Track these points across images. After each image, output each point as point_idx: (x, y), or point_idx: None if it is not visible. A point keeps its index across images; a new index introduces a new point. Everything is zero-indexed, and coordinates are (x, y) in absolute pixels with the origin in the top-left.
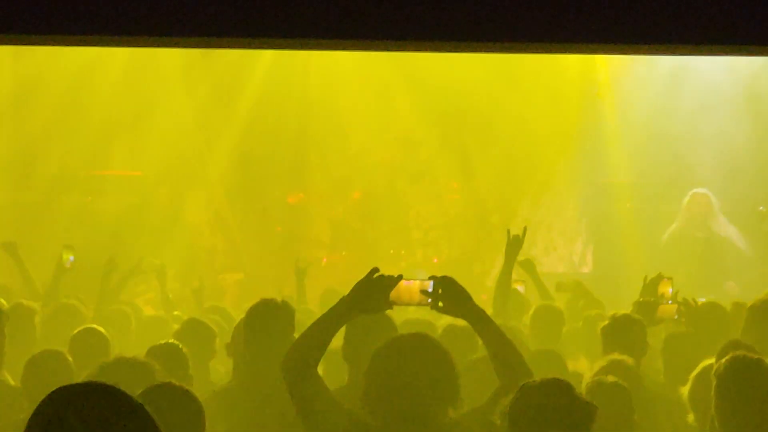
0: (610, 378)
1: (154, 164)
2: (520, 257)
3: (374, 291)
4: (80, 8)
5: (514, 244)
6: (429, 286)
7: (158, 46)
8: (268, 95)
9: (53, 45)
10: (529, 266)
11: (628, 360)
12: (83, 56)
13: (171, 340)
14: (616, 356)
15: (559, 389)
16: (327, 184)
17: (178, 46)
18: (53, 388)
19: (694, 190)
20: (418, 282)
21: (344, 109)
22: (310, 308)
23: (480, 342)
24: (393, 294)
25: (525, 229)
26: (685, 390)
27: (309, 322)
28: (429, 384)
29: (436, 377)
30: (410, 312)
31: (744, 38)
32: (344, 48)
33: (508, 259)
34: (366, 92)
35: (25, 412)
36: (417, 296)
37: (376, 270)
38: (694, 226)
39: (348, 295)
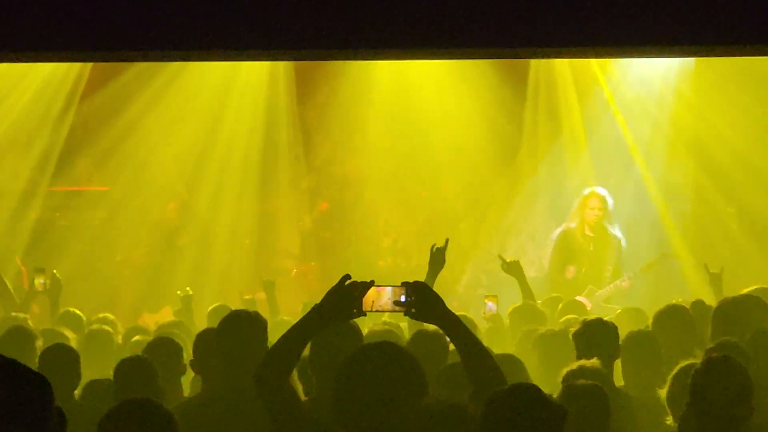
0: (586, 381)
1: (121, 179)
2: (508, 259)
3: (346, 298)
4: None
5: (437, 257)
6: (402, 292)
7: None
8: (233, 107)
9: (40, 61)
10: (516, 268)
11: (596, 364)
12: (45, 70)
13: (139, 354)
14: (584, 362)
15: (529, 394)
16: (294, 195)
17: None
18: None
19: (593, 189)
20: (390, 288)
21: (310, 119)
22: (285, 318)
23: (451, 348)
24: (365, 301)
25: (447, 241)
26: (663, 392)
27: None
28: (398, 394)
29: (404, 386)
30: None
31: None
32: (321, 58)
33: (431, 272)
34: (331, 102)
35: None
36: (389, 303)
37: (347, 277)
38: (588, 224)
39: (320, 303)
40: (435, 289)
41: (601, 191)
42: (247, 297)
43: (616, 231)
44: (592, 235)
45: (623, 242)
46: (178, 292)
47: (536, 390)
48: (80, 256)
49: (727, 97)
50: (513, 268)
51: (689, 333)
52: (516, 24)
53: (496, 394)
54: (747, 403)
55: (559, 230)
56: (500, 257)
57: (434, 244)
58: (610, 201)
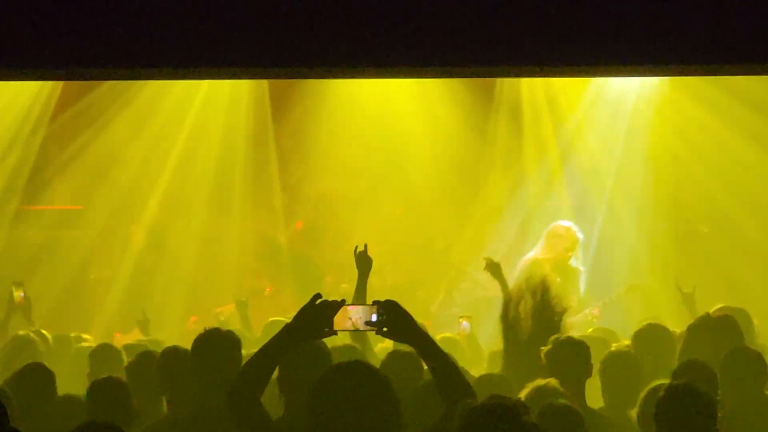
0: (562, 401)
1: (93, 198)
2: (488, 260)
3: (318, 317)
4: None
5: (362, 260)
6: (373, 311)
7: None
8: (206, 125)
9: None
10: (495, 269)
11: (554, 383)
12: (14, 88)
13: (113, 374)
14: (540, 381)
15: (504, 411)
16: (268, 214)
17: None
18: None
19: (560, 223)
20: (361, 307)
21: (284, 137)
22: (257, 337)
23: (424, 367)
24: (337, 319)
25: (366, 245)
26: (633, 412)
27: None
28: (370, 413)
29: (377, 406)
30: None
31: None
32: (300, 76)
33: (361, 276)
34: (306, 120)
35: None
36: (361, 322)
37: (318, 296)
38: (556, 259)
39: (291, 322)
40: (408, 308)
41: (571, 226)
42: (221, 318)
43: (579, 264)
44: (557, 267)
45: (583, 273)
46: (136, 316)
47: (511, 407)
48: (53, 275)
49: (704, 112)
50: (494, 269)
51: (669, 352)
52: (509, 43)
53: (471, 410)
54: (711, 428)
55: (527, 259)
56: (485, 258)
57: (356, 246)
58: (580, 236)
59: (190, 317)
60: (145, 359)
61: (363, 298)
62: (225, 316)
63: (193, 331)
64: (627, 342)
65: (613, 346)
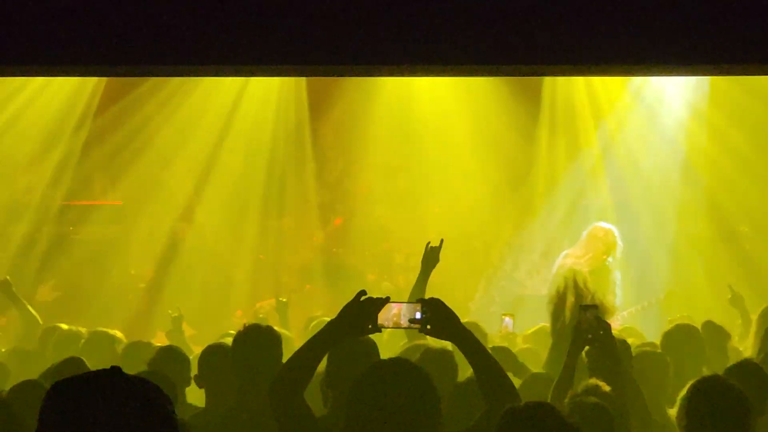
0: (592, 399)
1: (135, 194)
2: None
3: (362, 314)
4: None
5: (431, 255)
6: (417, 308)
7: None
8: (247, 122)
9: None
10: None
11: (604, 387)
12: (60, 85)
13: (150, 369)
14: (592, 381)
15: (545, 412)
16: (308, 211)
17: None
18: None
19: (600, 224)
20: (405, 304)
21: (324, 135)
22: (292, 336)
23: (460, 366)
24: (381, 317)
25: (442, 241)
26: (673, 412)
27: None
28: (411, 411)
29: (418, 404)
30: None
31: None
32: (329, 74)
33: (424, 271)
34: (345, 118)
35: None
36: (405, 319)
37: (363, 293)
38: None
39: (335, 318)
40: (449, 306)
41: (611, 229)
42: (261, 315)
43: (616, 267)
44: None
45: (618, 276)
46: (169, 311)
47: (552, 408)
48: (94, 270)
49: (742, 114)
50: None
51: (699, 352)
52: (537, 40)
53: (511, 411)
54: (744, 422)
55: (564, 257)
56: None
57: (429, 242)
58: (618, 239)
59: (236, 311)
60: (169, 352)
61: (422, 294)
62: (265, 311)
63: (238, 325)
64: (654, 342)
65: (636, 346)
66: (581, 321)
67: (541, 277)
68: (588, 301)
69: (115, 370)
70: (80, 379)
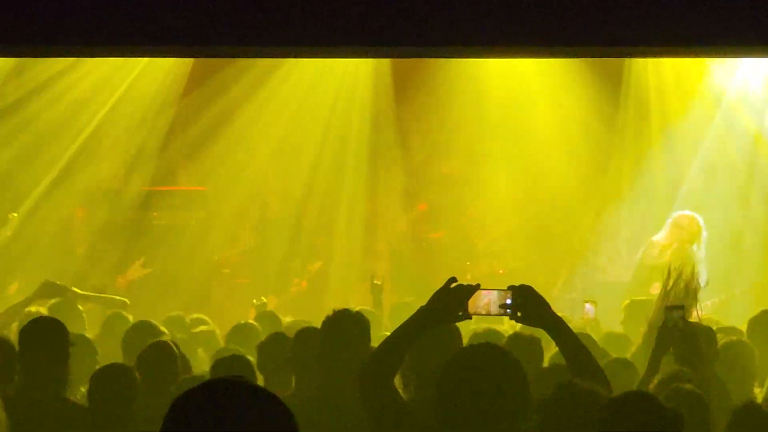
0: (688, 386)
1: (218, 179)
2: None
3: (452, 301)
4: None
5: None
6: (508, 295)
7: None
8: (329, 106)
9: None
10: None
11: (685, 369)
12: (141, 67)
13: (235, 353)
14: (674, 367)
15: (647, 401)
16: (392, 196)
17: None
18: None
19: (684, 212)
20: (496, 291)
21: (407, 120)
22: (384, 323)
23: (544, 352)
24: (471, 304)
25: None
26: (760, 395)
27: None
28: (502, 395)
29: (507, 389)
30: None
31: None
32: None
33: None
34: (429, 102)
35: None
36: (495, 306)
37: (453, 280)
38: (675, 244)
39: (426, 305)
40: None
41: (695, 217)
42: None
43: (701, 255)
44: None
45: (704, 264)
46: (254, 301)
47: (652, 397)
48: (177, 256)
49: None
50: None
51: None
52: (623, 22)
53: (613, 401)
54: None
55: (649, 244)
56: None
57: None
58: (703, 228)
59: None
60: (277, 338)
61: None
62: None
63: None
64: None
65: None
66: (667, 320)
67: (622, 264)
68: (690, 297)
69: (239, 380)
70: (206, 388)
